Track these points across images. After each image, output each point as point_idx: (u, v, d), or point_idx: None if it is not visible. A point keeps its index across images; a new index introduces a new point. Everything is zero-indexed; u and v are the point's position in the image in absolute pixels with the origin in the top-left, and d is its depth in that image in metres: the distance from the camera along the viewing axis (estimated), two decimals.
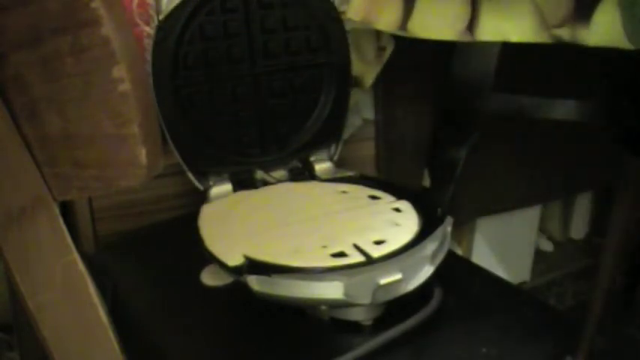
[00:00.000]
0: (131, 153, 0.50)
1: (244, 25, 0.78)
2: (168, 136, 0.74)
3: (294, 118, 0.82)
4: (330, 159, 0.83)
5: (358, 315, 0.61)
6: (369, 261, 0.60)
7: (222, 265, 0.62)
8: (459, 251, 1.18)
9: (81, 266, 0.55)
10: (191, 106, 0.76)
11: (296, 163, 0.83)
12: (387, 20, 0.82)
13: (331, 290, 0.58)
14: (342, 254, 0.61)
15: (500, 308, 0.65)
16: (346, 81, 0.84)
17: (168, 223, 0.84)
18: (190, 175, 0.77)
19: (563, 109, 0.90)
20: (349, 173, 0.81)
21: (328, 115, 0.83)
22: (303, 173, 0.82)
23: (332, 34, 0.81)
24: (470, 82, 0.95)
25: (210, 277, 0.68)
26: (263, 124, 0.81)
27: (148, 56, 0.73)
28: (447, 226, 0.65)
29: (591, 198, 1.36)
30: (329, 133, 0.83)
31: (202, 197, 0.76)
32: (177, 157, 0.75)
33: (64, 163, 0.53)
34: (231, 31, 0.77)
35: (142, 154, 0.50)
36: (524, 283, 1.25)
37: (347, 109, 0.85)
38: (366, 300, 0.58)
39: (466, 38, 0.74)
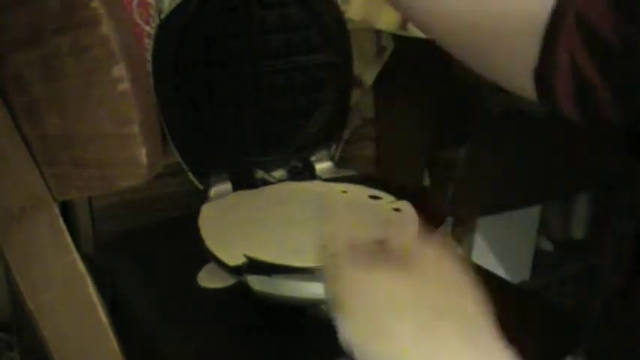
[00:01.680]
0: (131, 153, 0.50)
1: (244, 25, 0.77)
2: (168, 136, 0.74)
3: (295, 118, 0.82)
4: (331, 159, 0.83)
5: None
6: None
7: (223, 265, 0.62)
8: (459, 251, 1.17)
9: (81, 266, 0.55)
10: (191, 106, 0.76)
11: (296, 163, 0.83)
12: (387, 20, 0.82)
13: None
14: None
15: (501, 308, 0.65)
16: (347, 81, 0.84)
17: (168, 223, 0.83)
18: (190, 175, 0.77)
19: None
20: (349, 173, 0.81)
21: (328, 115, 0.83)
22: (304, 173, 0.82)
23: (332, 34, 0.81)
24: (470, 82, 0.95)
25: (206, 279, 0.68)
26: (263, 124, 0.81)
27: (148, 56, 0.73)
28: (447, 226, 0.65)
29: (591, 198, 1.36)
30: (329, 133, 0.83)
31: (202, 197, 0.76)
32: (177, 157, 0.75)
33: (64, 163, 0.53)
34: (232, 31, 0.77)
35: (142, 153, 0.50)
36: (524, 283, 1.25)
37: (347, 109, 0.84)
38: None
39: None
